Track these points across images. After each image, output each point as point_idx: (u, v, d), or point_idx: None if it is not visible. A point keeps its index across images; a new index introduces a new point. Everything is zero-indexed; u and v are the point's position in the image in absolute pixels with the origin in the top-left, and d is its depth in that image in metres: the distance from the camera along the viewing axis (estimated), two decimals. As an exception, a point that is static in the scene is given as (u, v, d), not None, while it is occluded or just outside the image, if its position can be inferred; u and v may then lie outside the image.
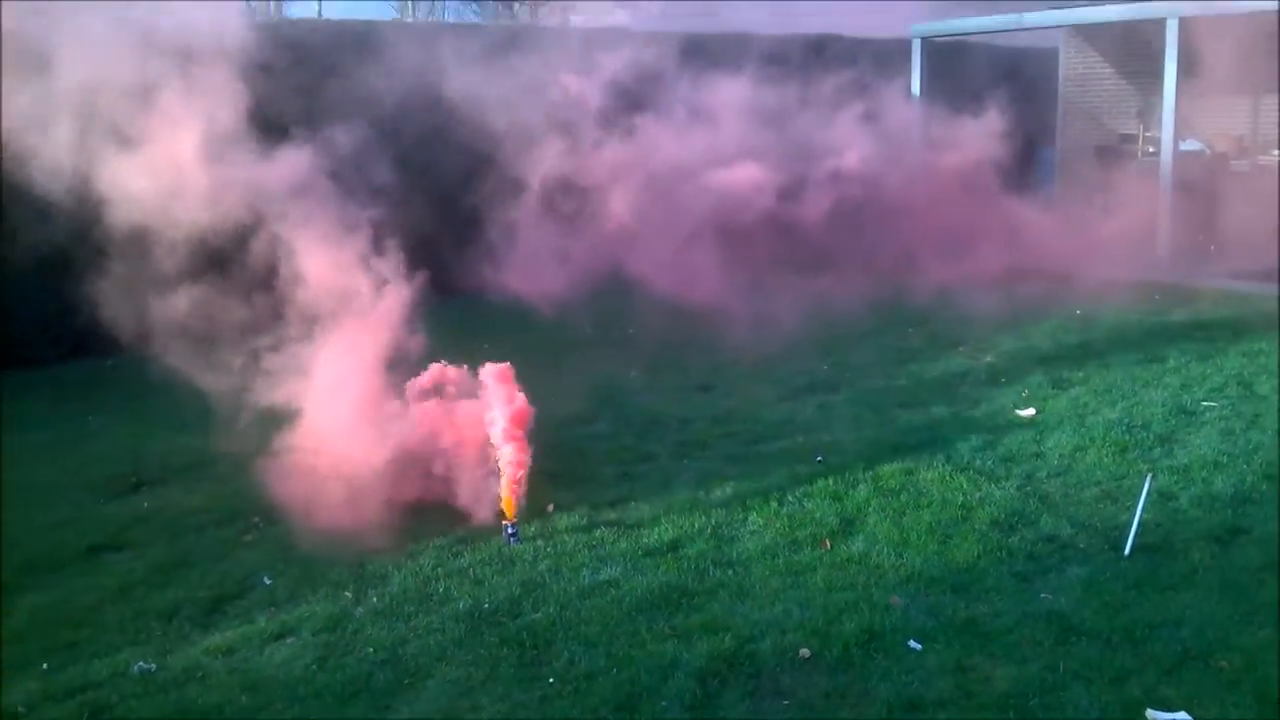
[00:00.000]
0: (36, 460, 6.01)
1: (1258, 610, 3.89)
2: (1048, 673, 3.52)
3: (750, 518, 4.88)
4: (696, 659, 3.65)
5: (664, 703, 3.43)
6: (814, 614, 3.94)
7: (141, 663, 3.77)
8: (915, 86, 12.90)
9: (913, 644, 3.72)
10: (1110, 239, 12.10)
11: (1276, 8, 10.98)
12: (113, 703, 3.54)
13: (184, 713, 3.48)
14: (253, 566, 4.57)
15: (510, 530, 4.74)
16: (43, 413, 7.02)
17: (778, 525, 4.78)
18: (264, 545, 4.79)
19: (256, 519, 5.05)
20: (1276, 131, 12.82)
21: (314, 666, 3.74)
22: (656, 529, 4.79)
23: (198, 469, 5.77)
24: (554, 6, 46.36)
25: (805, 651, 3.69)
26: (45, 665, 3.79)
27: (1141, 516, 4.54)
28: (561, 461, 5.59)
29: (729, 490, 5.23)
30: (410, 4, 47.37)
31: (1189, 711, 3.29)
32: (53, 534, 4.97)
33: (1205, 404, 6.37)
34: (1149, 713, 3.30)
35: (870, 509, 4.93)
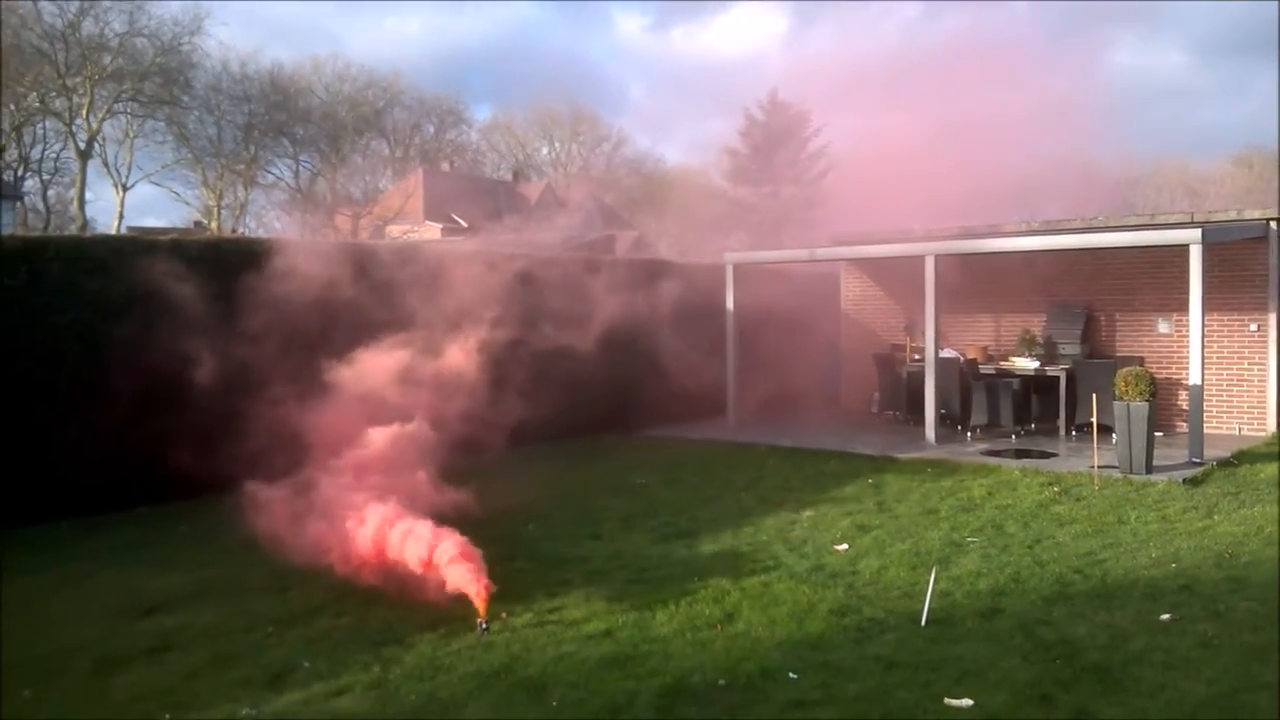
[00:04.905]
0: (48, 597, 7.10)
1: (1007, 651, 5.88)
2: (880, 684, 5.38)
3: (658, 616, 6.58)
4: (651, 689, 5.32)
5: (638, 711, 5.08)
6: (722, 662, 5.69)
7: (248, 709, 5.12)
8: (729, 302, 15.46)
9: (791, 675, 5.51)
10: (889, 425, 14.74)
11: (1011, 249, 14.16)
12: (238, 733, 4.90)
13: (295, 735, 4.88)
14: (288, 657, 5.92)
15: (483, 625, 6.28)
16: (30, 563, 8.03)
17: (679, 619, 6.51)
18: (289, 644, 6.14)
19: (270, 629, 6.39)
20: (1015, 342, 15.99)
21: (376, 706, 5.19)
22: (590, 624, 6.43)
23: (194, 599, 7.02)
24: (369, 220, 48.45)
25: (722, 681, 5.43)
26: (168, 716, 5.09)
27: (930, 602, 6.56)
28: (501, 587, 7.17)
29: (636, 600, 6.92)
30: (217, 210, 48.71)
31: (971, 699, 5.19)
32: (107, 643, 6.15)
33: (969, 539, 8.57)
34: (947, 700, 5.18)
35: (743, 607, 6.73)
